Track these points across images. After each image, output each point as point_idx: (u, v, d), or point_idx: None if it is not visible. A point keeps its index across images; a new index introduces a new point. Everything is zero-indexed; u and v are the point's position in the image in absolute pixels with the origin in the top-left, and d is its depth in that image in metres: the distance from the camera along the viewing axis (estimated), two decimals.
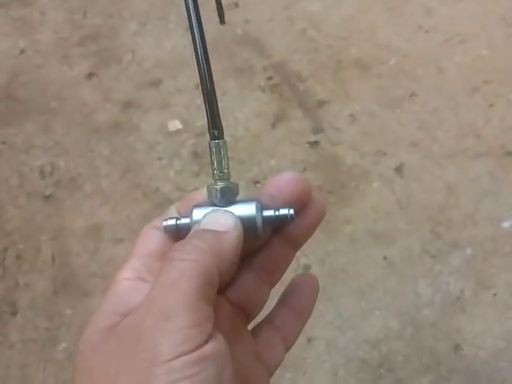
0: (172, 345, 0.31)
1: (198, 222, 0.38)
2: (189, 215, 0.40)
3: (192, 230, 0.38)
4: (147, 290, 0.35)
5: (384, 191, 1.39)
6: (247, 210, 0.39)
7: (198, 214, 0.39)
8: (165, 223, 0.40)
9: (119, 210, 1.39)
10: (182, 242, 0.36)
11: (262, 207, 0.39)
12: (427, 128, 1.49)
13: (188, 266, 0.33)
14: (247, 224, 0.38)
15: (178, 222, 0.40)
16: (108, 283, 0.38)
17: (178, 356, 0.31)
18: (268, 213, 0.39)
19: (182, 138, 1.50)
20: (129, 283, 0.37)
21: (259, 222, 0.39)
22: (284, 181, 0.39)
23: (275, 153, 1.46)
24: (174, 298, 0.32)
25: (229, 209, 0.39)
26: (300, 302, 0.42)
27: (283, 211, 0.39)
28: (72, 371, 0.35)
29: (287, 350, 0.41)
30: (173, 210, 0.41)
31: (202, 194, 0.40)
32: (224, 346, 0.33)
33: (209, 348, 0.32)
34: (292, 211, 0.39)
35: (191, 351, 0.31)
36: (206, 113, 0.39)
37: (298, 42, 1.68)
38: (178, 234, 0.40)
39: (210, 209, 0.39)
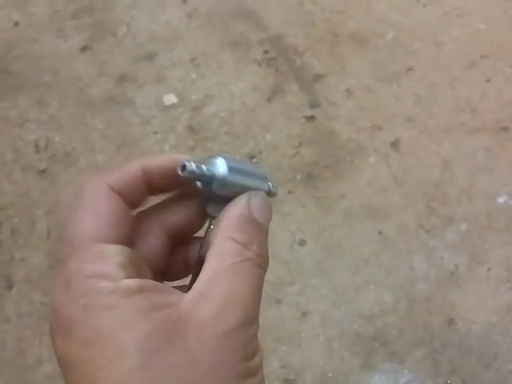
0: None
1: (223, 176, 0.35)
2: (204, 162, 0.36)
3: (245, 215, 0.36)
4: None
5: (380, 166, 1.39)
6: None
7: (222, 166, 0.36)
8: (189, 166, 0.33)
9: None
10: (251, 235, 0.35)
11: None
12: (423, 103, 1.48)
13: (258, 272, 0.35)
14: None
15: (204, 171, 0.35)
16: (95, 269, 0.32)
17: None
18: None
19: (178, 112, 1.49)
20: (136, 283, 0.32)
21: None
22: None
23: (271, 127, 1.46)
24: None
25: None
26: None
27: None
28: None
29: None
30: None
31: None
32: None
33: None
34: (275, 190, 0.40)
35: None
36: None
37: (294, 15, 1.66)
38: (189, 179, 0.35)
39: (232, 162, 0.36)
